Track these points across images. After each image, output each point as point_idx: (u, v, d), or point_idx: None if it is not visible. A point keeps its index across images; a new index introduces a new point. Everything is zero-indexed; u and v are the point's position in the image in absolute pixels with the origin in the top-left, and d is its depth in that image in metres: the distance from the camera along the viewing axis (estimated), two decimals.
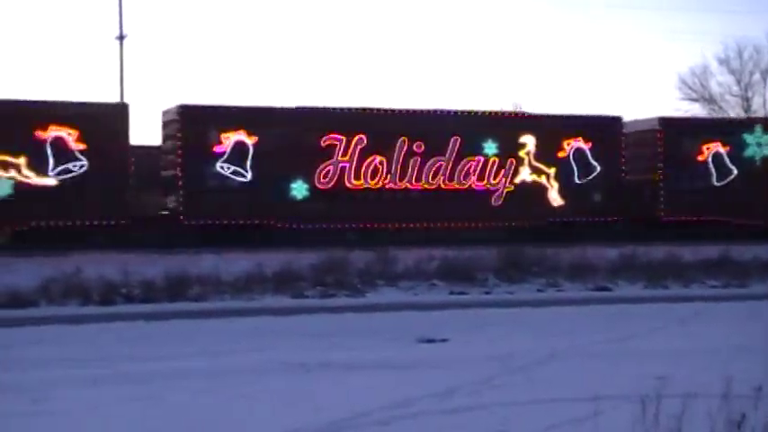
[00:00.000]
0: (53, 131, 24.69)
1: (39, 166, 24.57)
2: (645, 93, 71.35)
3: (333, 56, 71.62)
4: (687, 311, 15.84)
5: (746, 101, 54.85)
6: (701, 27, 71.72)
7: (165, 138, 27.03)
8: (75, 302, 17.16)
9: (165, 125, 27.05)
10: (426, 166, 28.09)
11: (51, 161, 24.63)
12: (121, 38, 39.43)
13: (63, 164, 24.79)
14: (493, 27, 71.49)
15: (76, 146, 24.86)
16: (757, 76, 54.65)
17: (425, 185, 28.13)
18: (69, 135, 24.79)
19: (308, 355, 11.30)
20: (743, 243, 25.53)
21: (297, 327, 14.55)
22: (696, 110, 53.23)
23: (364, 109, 28.34)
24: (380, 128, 27.70)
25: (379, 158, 27.62)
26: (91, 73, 66.32)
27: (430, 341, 12.79)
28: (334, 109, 28.03)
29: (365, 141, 27.43)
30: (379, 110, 28.53)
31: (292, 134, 26.84)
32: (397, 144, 27.79)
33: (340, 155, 27.29)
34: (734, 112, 52.86)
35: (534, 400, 8.56)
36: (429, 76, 71.33)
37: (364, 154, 27.50)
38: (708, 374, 8.08)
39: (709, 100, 54.85)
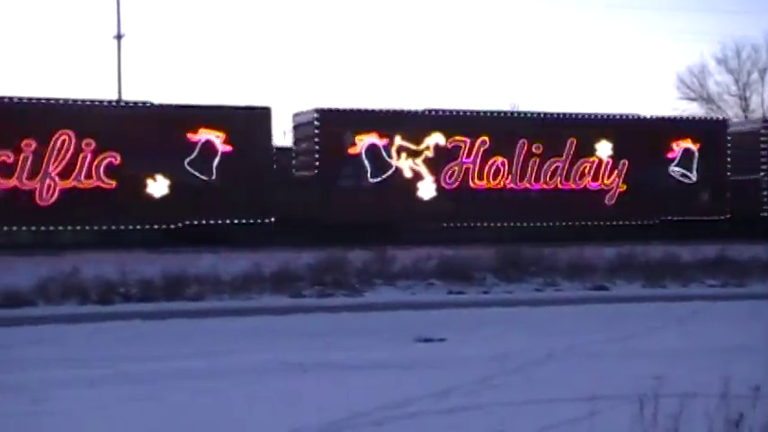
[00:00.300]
0: (203, 134, 26.36)
1: (192, 168, 26.27)
2: (643, 92, 71.46)
3: (328, 55, 71.69)
4: (685, 311, 15.84)
5: (744, 100, 54.99)
6: (699, 27, 71.86)
7: (299, 140, 28.84)
8: (73, 302, 17.14)
9: (298, 127, 28.97)
10: (544, 167, 29.68)
11: (202, 163, 26.29)
12: (119, 37, 39.47)
13: (212, 165, 26.43)
14: (491, 26, 71.59)
15: (224, 147, 26.51)
16: (755, 76, 54.80)
17: (544, 185, 29.76)
18: (217, 137, 26.47)
19: (305, 354, 11.29)
20: (741, 242, 25.58)
21: (295, 326, 14.55)
22: (694, 109, 53.32)
23: (487, 112, 30.16)
24: (502, 130, 29.37)
25: (500, 159, 29.22)
26: (89, 71, 66.36)
27: (428, 341, 12.78)
28: (459, 112, 29.60)
29: (488, 143, 29.03)
30: (501, 113, 30.92)
31: (420, 136, 28.46)
32: (518, 146, 29.34)
33: (464, 156, 28.85)
34: (732, 111, 52.95)
35: (532, 400, 8.55)
36: (428, 75, 71.40)
37: (487, 155, 29.08)
38: (706, 374, 8.08)
39: (708, 99, 54.99)
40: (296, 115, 29.12)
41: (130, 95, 41.98)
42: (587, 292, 19.61)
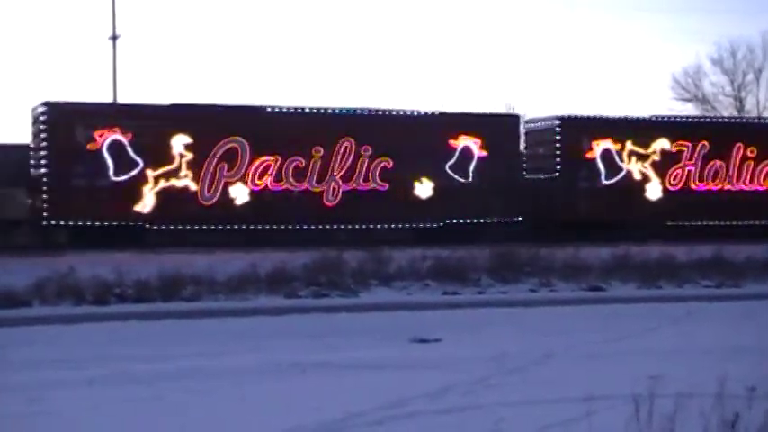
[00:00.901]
0: (463, 140, 28.44)
1: (458, 170, 28.37)
2: (638, 93, 71.52)
3: (326, 55, 71.64)
4: (680, 311, 15.87)
5: (740, 101, 54.96)
6: (694, 27, 71.88)
7: (532, 144, 31.15)
8: (68, 302, 17.12)
9: (531, 133, 31.27)
10: (758, 169, 31.50)
11: (461, 166, 28.29)
12: (114, 38, 39.41)
13: (469, 168, 28.43)
14: (487, 27, 71.56)
15: (480, 152, 28.48)
16: (750, 77, 54.74)
17: (758, 186, 31.60)
18: (475, 143, 28.48)
19: (301, 355, 11.30)
20: (737, 243, 25.61)
21: (290, 327, 14.56)
22: (689, 110, 53.38)
23: (708, 118, 34.48)
24: (720, 135, 31.50)
25: (718, 162, 31.16)
26: (84, 72, 66.28)
27: (423, 341, 12.80)
28: (683, 119, 33.31)
29: (707, 147, 30.94)
30: (720, 119, 35.03)
31: (648, 141, 30.56)
32: (734, 149, 31.24)
33: (687, 159, 30.89)
34: (727, 112, 52.98)
35: (528, 401, 8.57)
36: (427, 75, 71.45)
37: (707, 158, 31.03)
38: (701, 374, 8.10)
39: (702, 100, 54.94)
40: (529, 122, 31.98)
41: (126, 97, 41.92)
42: (583, 293, 19.63)
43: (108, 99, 35.82)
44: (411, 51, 70.72)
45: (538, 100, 68.22)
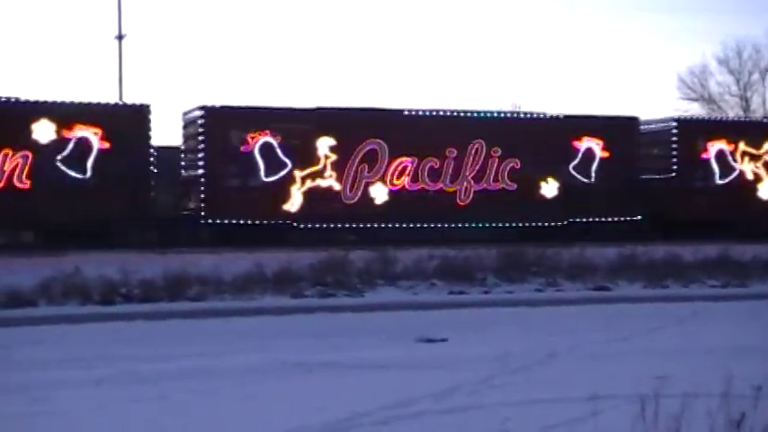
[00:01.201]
0: (586, 142, 29.80)
1: (581, 171, 29.71)
2: (644, 93, 71.44)
3: (330, 55, 71.71)
4: (686, 311, 15.84)
5: (746, 101, 54.94)
6: (700, 27, 71.78)
7: (650, 145, 31.90)
8: (74, 302, 17.13)
9: (648, 134, 31.77)
10: None
11: (583, 167, 29.72)
12: (120, 37, 39.47)
13: (591, 169, 29.82)
14: (492, 26, 71.58)
15: (601, 153, 29.92)
16: (756, 76, 54.75)
17: None
18: (597, 144, 29.89)
19: (307, 354, 11.30)
20: (743, 242, 25.58)
21: (296, 327, 14.56)
22: (695, 110, 53.30)
23: None
24: None
25: None
26: (90, 72, 66.39)
27: (429, 341, 12.79)
28: None
29: None
30: None
31: (760, 142, 31.82)
32: None
33: None
34: (733, 111, 52.92)
35: (534, 400, 8.56)
36: (427, 75, 71.42)
37: None
38: (707, 374, 8.07)
39: (708, 100, 54.92)
40: (644, 124, 32.08)
41: (131, 97, 42.01)
42: (589, 293, 19.59)
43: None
44: (411, 51, 70.74)
45: (542, 99, 68.04)
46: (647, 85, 75.05)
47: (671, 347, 11.87)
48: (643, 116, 31.98)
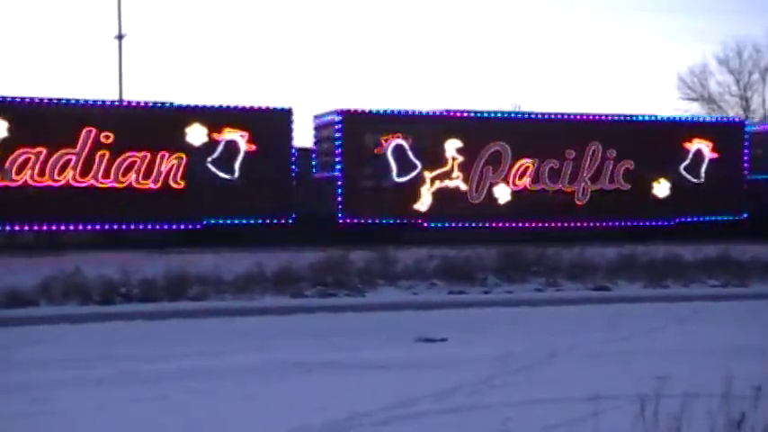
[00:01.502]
0: (696, 143, 31.01)
1: (691, 171, 30.90)
2: (644, 92, 71.51)
3: (329, 55, 71.72)
4: (687, 311, 15.83)
5: (746, 100, 54.97)
6: (700, 27, 71.80)
7: (752, 146, 32.06)
8: (74, 302, 17.12)
9: (750, 136, 32.28)
10: None
11: (694, 168, 30.86)
12: (120, 37, 39.49)
13: (701, 169, 30.95)
14: (492, 26, 71.58)
15: (711, 154, 31.06)
16: (756, 76, 54.78)
17: None
18: (707, 146, 31.00)
19: (307, 354, 11.30)
20: (743, 242, 25.61)
21: (296, 326, 14.55)
22: (695, 109, 53.33)
23: None
24: None
25: None
26: (90, 71, 66.40)
27: (429, 341, 12.79)
28: None
29: None
30: None
31: None
32: None
33: None
34: (733, 111, 52.93)
35: (534, 400, 8.56)
36: (427, 75, 71.44)
37: None
38: (707, 374, 8.08)
39: (708, 100, 54.95)
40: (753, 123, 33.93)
41: (131, 96, 42.02)
42: (589, 293, 19.58)
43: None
44: (411, 51, 70.78)
45: (545, 99, 68.11)
46: (648, 85, 75.08)
47: (671, 347, 11.87)
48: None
